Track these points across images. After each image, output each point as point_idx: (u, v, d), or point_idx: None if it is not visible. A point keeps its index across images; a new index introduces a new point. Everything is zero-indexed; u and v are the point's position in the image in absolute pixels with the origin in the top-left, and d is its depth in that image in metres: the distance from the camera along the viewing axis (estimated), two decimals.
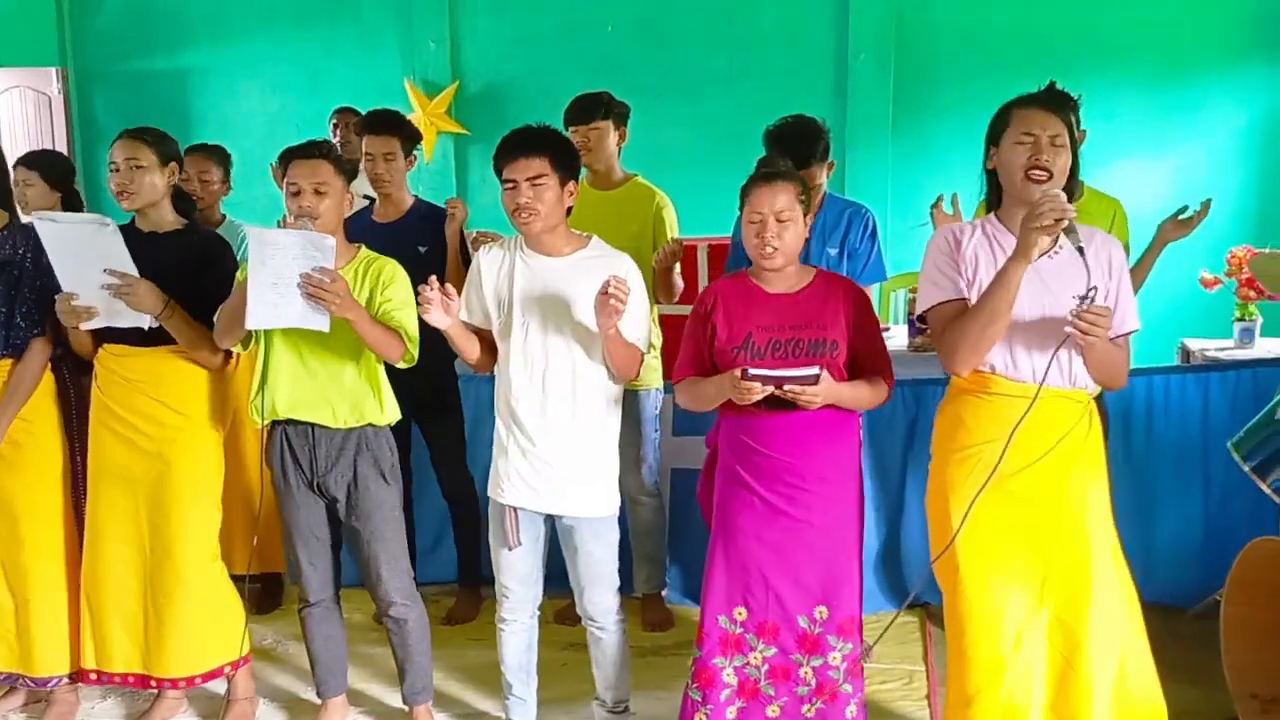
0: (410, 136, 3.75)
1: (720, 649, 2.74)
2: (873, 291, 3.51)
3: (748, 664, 2.74)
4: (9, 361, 3.07)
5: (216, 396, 3.14)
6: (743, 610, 2.73)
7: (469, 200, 7.30)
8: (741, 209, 2.71)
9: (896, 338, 4.26)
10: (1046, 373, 2.44)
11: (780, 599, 2.70)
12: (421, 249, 3.55)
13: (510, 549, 2.88)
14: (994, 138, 2.56)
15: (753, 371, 2.52)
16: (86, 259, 2.87)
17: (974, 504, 2.48)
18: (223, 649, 3.18)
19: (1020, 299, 2.40)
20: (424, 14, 7.28)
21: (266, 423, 2.97)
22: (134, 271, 2.88)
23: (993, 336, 2.44)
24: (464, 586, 4.03)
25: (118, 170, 3.00)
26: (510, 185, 2.73)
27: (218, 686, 3.32)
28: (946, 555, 2.56)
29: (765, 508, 2.69)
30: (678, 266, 3.56)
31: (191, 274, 2.99)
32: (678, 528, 3.93)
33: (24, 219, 3.24)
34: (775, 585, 2.70)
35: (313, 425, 2.93)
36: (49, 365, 3.14)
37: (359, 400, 2.92)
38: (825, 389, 2.57)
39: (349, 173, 2.96)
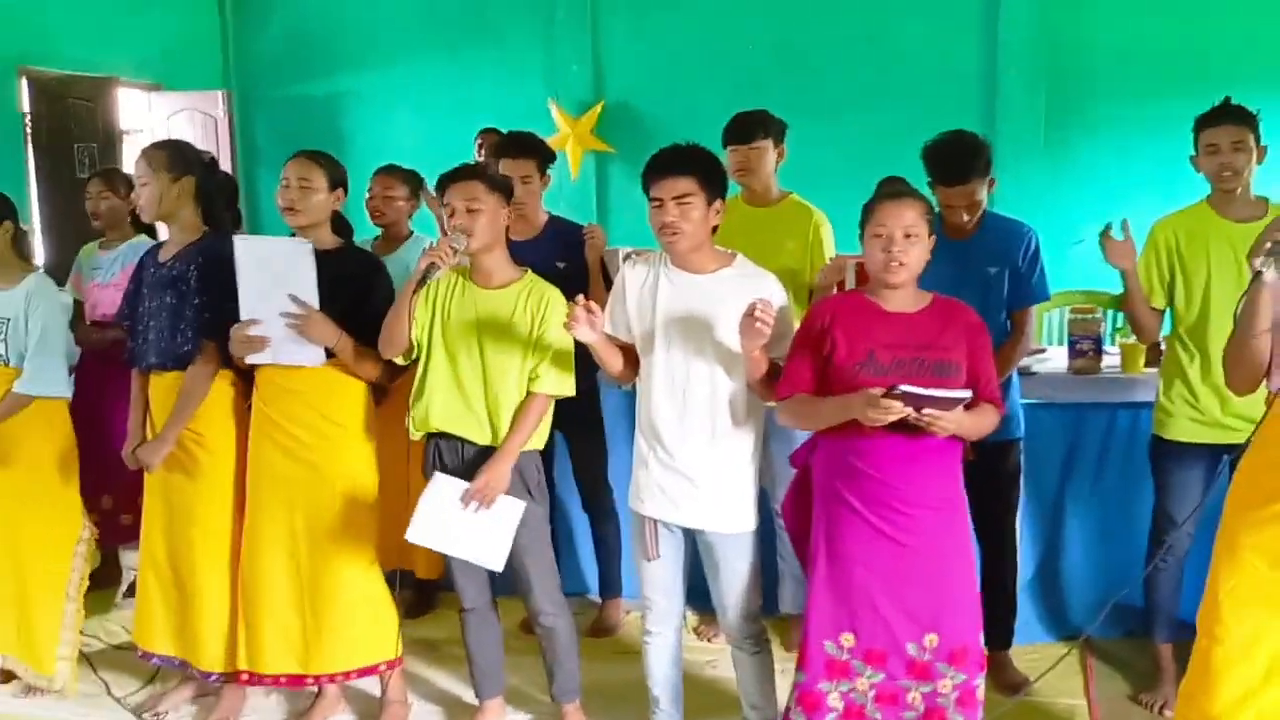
0: (546, 157, 3.80)
1: (826, 674, 2.68)
2: (1032, 312, 3.40)
3: (854, 689, 2.67)
4: (179, 373, 3.20)
5: (372, 408, 3.24)
6: (850, 636, 2.66)
7: (610, 217, 7.44)
8: (863, 227, 2.67)
9: (1054, 360, 4.12)
10: None
11: (889, 625, 2.64)
12: (560, 265, 3.60)
13: (649, 560, 2.89)
14: None
15: (904, 388, 2.44)
16: (274, 281, 2.98)
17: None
18: (377, 648, 3.27)
19: None
20: (567, 36, 7.44)
21: (421, 435, 3.06)
22: (316, 300, 2.99)
23: (1243, 360, 2.38)
24: (605, 598, 4.05)
25: (288, 187, 3.11)
26: (657, 203, 2.75)
27: (372, 688, 3.42)
28: (1210, 577, 2.48)
29: (873, 533, 2.63)
30: (835, 287, 3.52)
31: (347, 291, 3.10)
32: None
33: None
34: (884, 612, 2.63)
35: (463, 440, 3.00)
36: (221, 377, 3.25)
37: (509, 421, 2.98)
38: (959, 415, 2.51)
39: (504, 190, 3.02)
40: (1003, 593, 3.46)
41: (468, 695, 3.45)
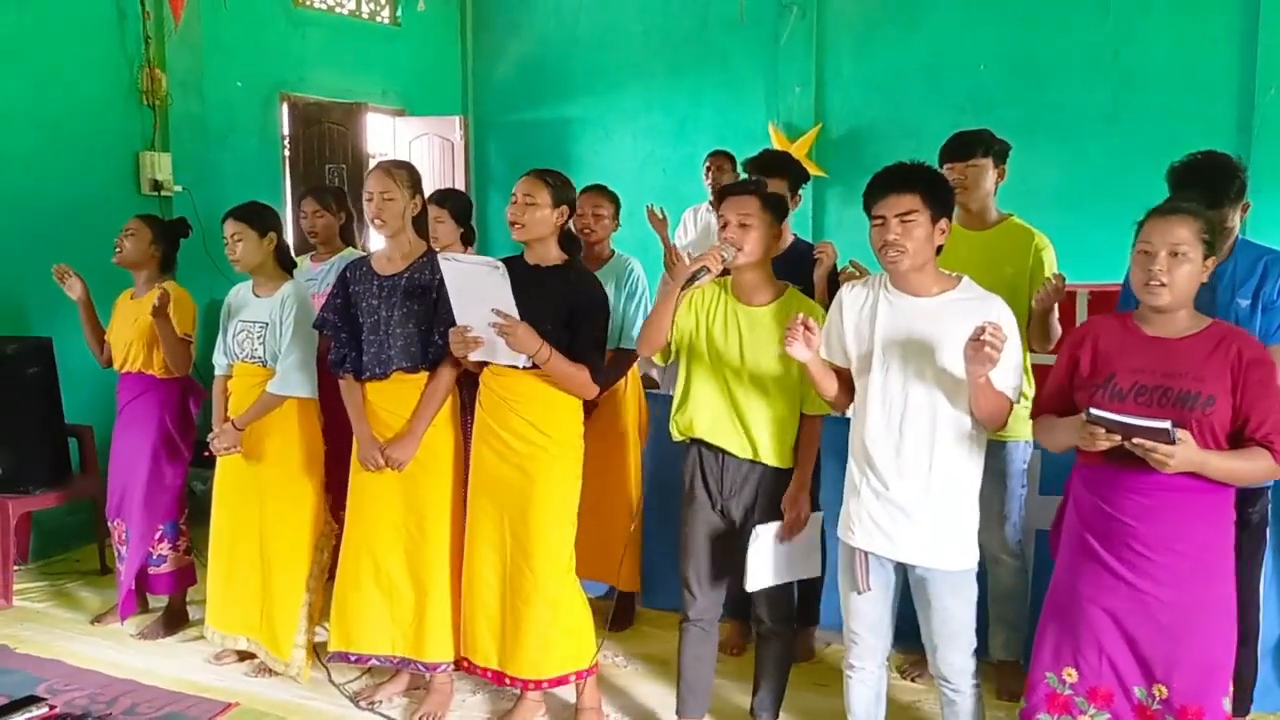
0: (798, 176, 3.81)
1: (1046, 705, 2.57)
2: None
3: None
4: (425, 374, 3.39)
5: (580, 422, 3.33)
6: (1072, 672, 2.54)
7: (825, 239, 7.34)
8: (1135, 243, 2.51)
9: None
10: None
11: (1115, 667, 2.49)
12: (797, 286, 3.57)
13: (860, 593, 2.81)
14: None
15: (1094, 412, 2.31)
16: (478, 297, 3.11)
17: None
18: (572, 657, 3.33)
19: None
20: (790, 59, 7.41)
21: (685, 439, 3.14)
22: (515, 314, 3.10)
23: None
24: (802, 624, 3.98)
25: (515, 202, 3.26)
26: (879, 221, 2.67)
27: (570, 695, 3.48)
28: None
29: (1106, 572, 2.48)
30: (1056, 310, 3.34)
31: (568, 307, 3.19)
32: (1040, 592, 3.66)
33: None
34: (1110, 652, 2.49)
35: (723, 451, 3.06)
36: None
37: (767, 438, 3.03)
38: (1183, 451, 2.29)
39: (777, 209, 3.06)
40: (1242, 653, 3.17)
41: (663, 711, 3.46)
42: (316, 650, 3.87)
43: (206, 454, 3.84)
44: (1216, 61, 6.24)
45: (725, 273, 3.08)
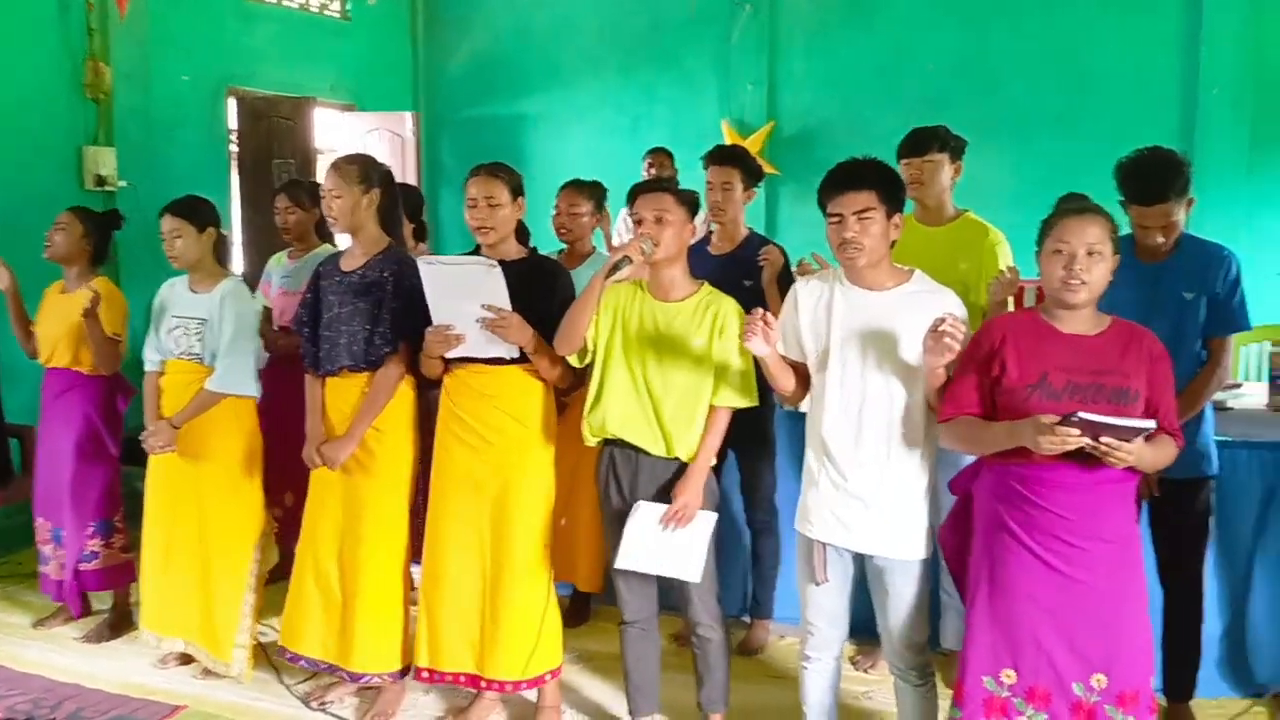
0: (751, 171, 3.82)
1: (984, 712, 2.56)
2: (1230, 341, 3.18)
3: None
4: (369, 374, 3.34)
5: (554, 412, 3.31)
6: (1011, 673, 2.53)
7: (779, 239, 7.39)
8: (1041, 244, 2.53)
9: (1252, 396, 3.86)
10: None
11: (1053, 663, 2.50)
12: (747, 283, 3.58)
13: (818, 585, 2.82)
14: None
15: (1083, 415, 2.29)
16: (464, 295, 3.07)
17: None
18: (550, 656, 3.32)
19: None
20: (743, 57, 7.45)
21: (598, 440, 3.10)
22: (509, 307, 3.07)
23: None
24: (755, 618, 4.01)
25: (476, 206, 3.20)
26: (836, 219, 2.69)
27: (529, 694, 3.45)
28: None
29: (1040, 565, 2.49)
30: (1010, 304, 3.38)
31: (536, 301, 3.16)
32: None
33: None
34: (1049, 648, 2.50)
35: (638, 449, 3.03)
36: (408, 380, 3.40)
37: (684, 434, 3.01)
38: (1139, 447, 2.35)
39: (690, 205, 3.05)
40: (1186, 640, 3.25)
41: (618, 708, 3.46)
42: (265, 649, 3.82)
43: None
44: (1161, 62, 6.37)
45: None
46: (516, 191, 3.25)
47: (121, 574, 4.17)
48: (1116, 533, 2.50)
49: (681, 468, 3.02)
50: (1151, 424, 2.35)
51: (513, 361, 3.18)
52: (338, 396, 3.38)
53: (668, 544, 3.00)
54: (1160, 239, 3.08)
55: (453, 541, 3.30)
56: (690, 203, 3.06)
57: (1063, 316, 2.53)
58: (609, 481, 3.11)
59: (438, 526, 3.33)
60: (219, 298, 3.62)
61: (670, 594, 3.15)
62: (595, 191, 4.30)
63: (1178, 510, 3.14)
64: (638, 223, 3.00)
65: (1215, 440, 3.25)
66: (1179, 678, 3.26)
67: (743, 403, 3.01)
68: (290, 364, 3.97)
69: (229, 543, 3.68)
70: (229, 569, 3.68)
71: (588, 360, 3.11)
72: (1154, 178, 3.02)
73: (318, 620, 3.46)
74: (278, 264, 4.56)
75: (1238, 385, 3.97)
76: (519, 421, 3.23)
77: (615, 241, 5.60)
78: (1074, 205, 2.58)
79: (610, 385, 3.05)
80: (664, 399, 3.00)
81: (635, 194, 3.06)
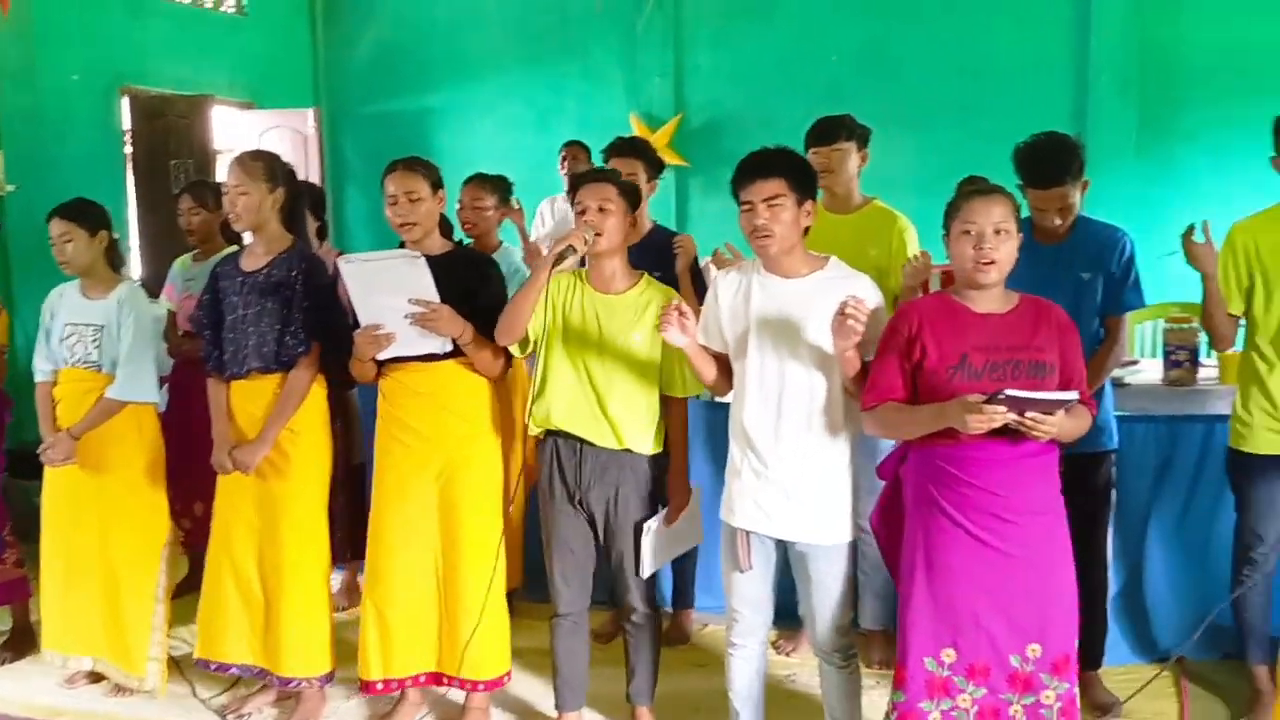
0: (653, 163, 3.84)
1: (926, 692, 2.60)
2: (1126, 319, 3.30)
3: (955, 707, 2.60)
4: (281, 375, 3.28)
5: (496, 406, 3.28)
6: (951, 652, 2.59)
7: (689, 231, 7.44)
8: (948, 227, 2.59)
9: (1148, 371, 4.00)
10: None
11: (992, 639, 2.56)
12: (655, 274, 3.59)
13: (742, 572, 2.85)
14: None
15: (1009, 393, 2.34)
16: (390, 292, 3.02)
17: None
18: (505, 656, 3.30)
19: None
20: (649, 49, 7.47)
21: (540, 431, 3.10)
22: (437, 299, 3.03)
23: None
24: (677, 609, 4.03)
25: (397, 203, 3.15)
26: (747, 207, 2.72)
27: (455, 694, 3.43)
28: None
29: (974, 543, 2.55)
30: (921, 291, 3.45)
31: (466, 293, 3.12)
32: None
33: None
34: (987, 625, 2.56)
35: (582, 441, 3.03)
36: (319, 380, 3.34)
37: (631, 425, 3.02)
38: (1060, 419, 2.42)
39: (632, 196, 3.06)
40: (1092, 611, 3.34)
41: (543, 704, 3.45)
42: (176, 663, 3.72)
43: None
44: (1053, 51, 6.56)
45: (582, 262, 3.08)
46: (436, 185, 3.21)
47: (14, 590, 4.00)
48: (1045, 504, 2.58)
49: (627, 458, 3.03)
50: (1075, 395, 2.42)
51: (447, 356, 3.14)
52: (247, 400, 3.30)
53: (673, 535, 3.09)
54: (1057, 221, 3.17)
55: (401, 545, 3.23)
56: (632, 194, 3.07)
57: (974, 297, 2.59)
58: (553, 473, 3.09)
59: (382, 532, 3.26)
60: (116, 303, 3.51)
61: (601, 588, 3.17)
62: (499, 185, 4.28)
63: (1081, 484, 3.23)
64: (581, 212, 2.99)
65: (1114, 415, 3.37)
66: (1088, 648, 3.36)
67: (692, 392, 3.04)
68: (196, 369, 3.87)
69: (135, 555, 3.58)
70: (137, 582, 3.58)
71: (529, 351, 3.10)
72: (1050, 162, 3.11)
73: (242, 626, 3.38)
74: (182, 267, 4.43)
75: (1134, 362, 4.11)
76: (460, 417, 3.20)
77: (534, 235, 5.57)
78: (977, 186, 2.64)
79: (554, 377, 3.05)
80: (609, 390, 3.00)
81: (578, 183, 3.06)
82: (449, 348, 3.12)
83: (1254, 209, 3.23)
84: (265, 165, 3.30)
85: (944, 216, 2.61)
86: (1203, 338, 4.10)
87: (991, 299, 2.58)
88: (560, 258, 2.91)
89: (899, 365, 2.60)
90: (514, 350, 3.11)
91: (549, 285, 2.96)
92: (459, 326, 3.06)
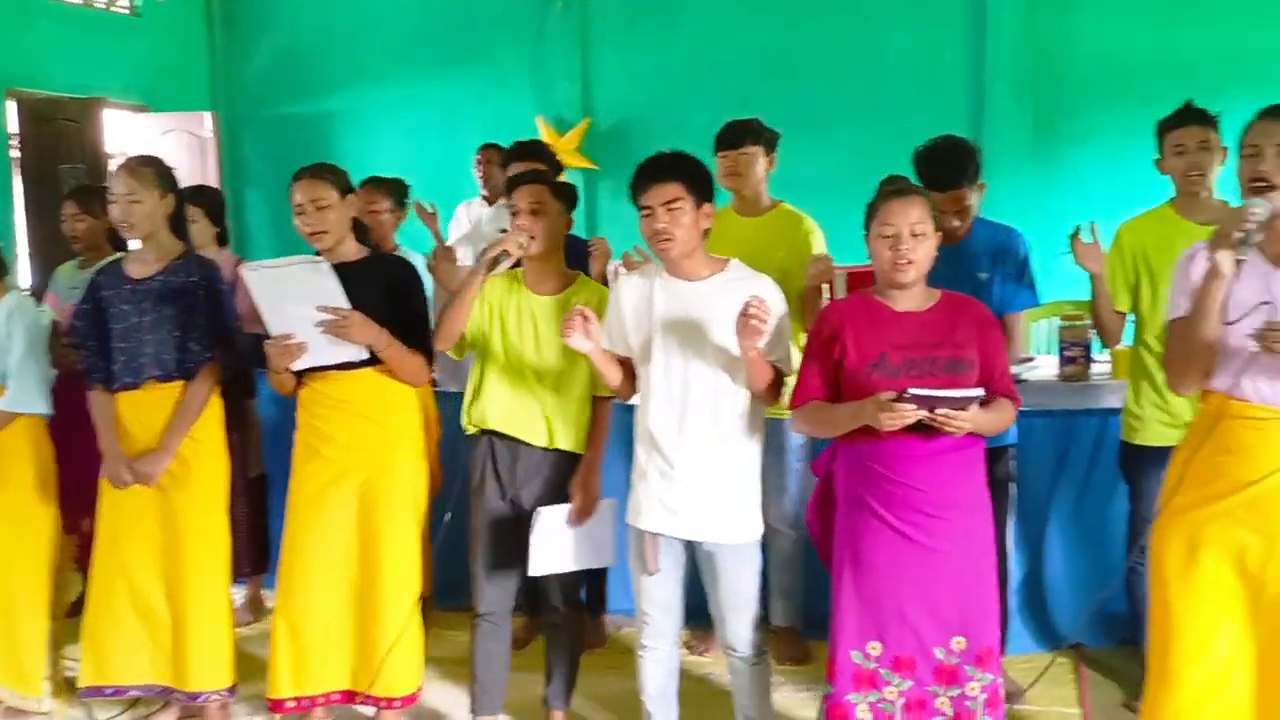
0: (552, 165, 3.85)
1: (854, 685, 2.66)
2: (1021, 318, 3.39)
3: (882, 699, 2.65)
4: (181, 383, 3.20)
5: (419, 415, 3.24)
6: (877, 645, 2.65)
7: (598, 234, 7.45)
8: (868, 227, 2.65)
9: (1044, 368, 4.11)
10: (1242, 390, 2.35)
11: (917, 632, 2.62)
12: None
13: (650, 574, 2.86)
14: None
15: (914, 391, 2.41)
16: (298, 300, 2.94)
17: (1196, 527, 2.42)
18: (419, 671, 3.24)
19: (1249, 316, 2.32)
20: (557, 53, 7.45)
21: (475, 431, 3.08)
22: (347, 305, 2.96)
23: (1197, 354, 2.37)
24: (592, 614, 4.02)
25: (304, 212, 3.08)
26: (647, 212, 2.74)
27: (365, 708, 3.35)
28: (1155, 580, 2.50)
29: (899, 538, 2.61)
30: (826, 291, 3.51)
31: (385, 300, 3.07)
32: (815, 562, 3.84)
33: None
34: (912, 618, 2.62)
35: (517, 441, 3.02)
36: (216, 388, 3.27)
37: (567, 425, 3.03)
38: (975, 414, 2.49)
39: (567, 197, 3.05)
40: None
41: (457, 712, 3.42)
42: (71, 684, 3.57)
43: None
44: (951, 56, 6.73)
45: (518, 264, 3.07)
46: (345, 190, 3.14)
47: None
48: (969, 499, 2.64)
49: (557, 457, 3.03)
50: (980, 392, 2.48)
51: (366, 364, 3.08)
52: (143, 410, 3.21)
53: (577, 540, 3.02)
54: (956, 222, 3.25)
55: (317, 558, 3.15)
56: (567, 195, 3.06)
57: (895, 296, 2.64)
58: (487, 471, 3.08)
59: (298, 545, 3.18)
60: (5, 314, 3.37)
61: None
62: (394, 189, 4.23)
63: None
64: (514, 214, 2.99)
65: None
66: None
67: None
68: (79, 381, 3.75)
69: (26, 572, 3.45)
70: (29, 600, 3.45)
71: (466, 354, 3.09)
72: (948, 165, 3.20)
73: (141, 644, 3.28)
74: (67, 275, 4.27)
75: (1031, 359, 4.21)
76: (381, 426, 3.14)
77: (451, 238, 5.52)
78: (895, 187, 2.69)
79: (491, 379, 3.05)
80: (545, 390, 3.01)
81: (514, 185, 3.05)
82: (365, 355, 3.06)
83: (1142, 210, 3.36)
84: (155, 171, 3.22)
85: (865, 216, 2.66)
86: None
87: (911, 297, 2.64)
88: (494, 263, 2.90)
89: (820, 365, 2.67)
90: (451, 353, 3.10)
91: (484, 287, 2.98)
92: (373, 334, 3.01)
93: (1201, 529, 2.43)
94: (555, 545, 3.02)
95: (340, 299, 2.95)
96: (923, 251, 2.58)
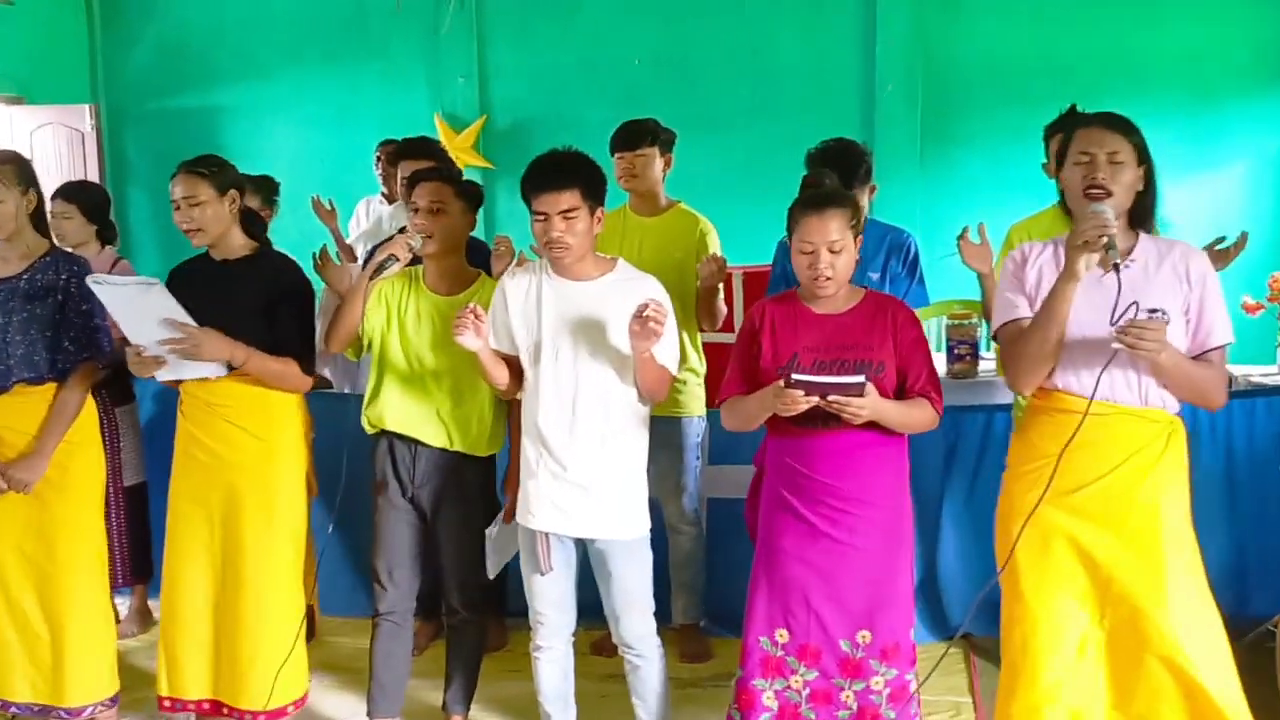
0: (445, 163, 3.76)
1: (761, 671, 2.72)
2: None
3: (788, 687, 2.71)
4: (54, 385, 3.08)
5: (296, 422, 3.15)
6: (784, 632, 2.70)
7: (496, 232, 7.38)
8: (790, 234, 2.69)
9: None
10: (1095, 389, 2.38)
11: (822, 622, 2.67)
12: None
13: (543, 574, 2.85)
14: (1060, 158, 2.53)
15: (795, 378, 2.49)
16: (145, 317, 2.87)
17: (1029, 518, 2.44)
18: (296, 685, 3.16)
19: (1082, 316, 2.37)
20: (452, 49, 7.35)
21: (375, 431, 3.05)
22: (191, 323, 2.88)
23: (1046, 355, 2.41)
24: (492, 615, 3.97)
25: (179, 208, 3.01)
26: (542, 218, 2.72)
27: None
28: (1008, 571, 2.52)
29: (808, 529, 2.67)
30: (721, 291, 3.53)
31: (264, 298, 3.00)
32: (715, 558, 3.88)
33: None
34: (817, 608, 2.67)
35: (416, 441, 2.99)
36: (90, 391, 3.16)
37: (465, 427, 3.00)
38: (871, 403, 2.53)
39: (472, 196, 3.01)
40: None
41: (354, 718, 3.35)
42: None
43: None
44: (842, 60, 6.84)
45: (418, 261, 3.02)
46: (226, 184, 3.05)
47: None
48: (884, 496, 2.69)
49: (458, 459, 3.01)
50: (860, 379, 2.52)
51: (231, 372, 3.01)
52: (12, 414, 3.07)
53: (505, 535, 3.04)
54: None
55: (187, 563, 3.10)
56: (472, 194, 3.02)
57: (817, 299, 2.70)
58: (388, 471, 3.05)
59: (172, 549, 3.12)
60: None
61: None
62: (263, 185, 4.14)
63: None
64: (414, 211, 2.93)
65: None
66: None
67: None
68: None
69: None
70: None
71: (364, 355, 3.05)
72: (838, 167, 3.25)
73: (16, 661, 3.14)
74: None
75: None
76: (253, 434, 3.06)
77: (350, 235, 5.41)
78: (813, 199, 2.71)
79: (389, 379, 3.01)
80: (444, 393, 2.98)
81: (415, 182, 3.00)
82: (223, 371, 2.99)
83: (1029, 211, 3.46)
84: (17, 168, 3.09)
85: (787, 220, 2.71)
86: (983, 332, 4.36)
87: (831, 300, 2.70)
88: (381, 267, 2.86)
89: (741, 363, 2.73)
90: (348, 354, 3.07)
91: (380, 286, 2.95)
92: (225, 349, 2.93)
93: (1052, 521, 2.48)
94: (499, 546, 3.05)
95: (183, 316, 2.87)
96: (841, 264, 2.64)
